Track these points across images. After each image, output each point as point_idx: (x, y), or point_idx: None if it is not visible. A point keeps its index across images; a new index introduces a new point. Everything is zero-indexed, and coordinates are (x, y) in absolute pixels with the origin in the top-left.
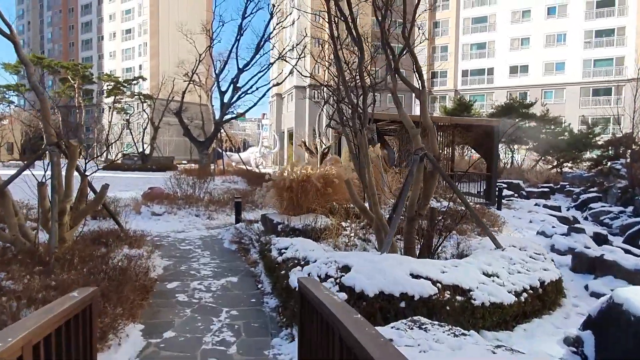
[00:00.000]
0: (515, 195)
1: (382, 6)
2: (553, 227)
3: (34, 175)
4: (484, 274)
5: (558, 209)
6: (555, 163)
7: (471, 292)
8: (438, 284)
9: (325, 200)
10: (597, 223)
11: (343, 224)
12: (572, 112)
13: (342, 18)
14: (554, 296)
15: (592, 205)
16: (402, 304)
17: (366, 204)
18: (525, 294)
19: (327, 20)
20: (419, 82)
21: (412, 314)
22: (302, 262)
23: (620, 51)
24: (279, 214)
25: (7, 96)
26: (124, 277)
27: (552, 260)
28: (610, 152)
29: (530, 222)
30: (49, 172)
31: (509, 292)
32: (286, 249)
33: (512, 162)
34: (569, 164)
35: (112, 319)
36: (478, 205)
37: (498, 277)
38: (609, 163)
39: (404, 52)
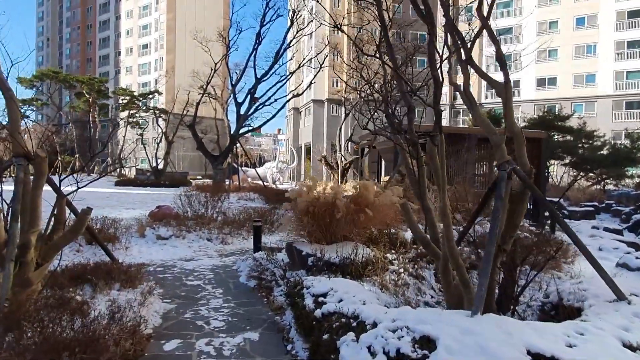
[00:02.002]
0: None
1: None
2: (638, 257)
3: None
4: (624, 345)
5: (619, 232)
6: (595, 179)
7: None
8: None
9: (362, 225)
10: None
11: (389, 256)
12: (605, 125)
13: None
14: None
15: None
16: None
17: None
18: None
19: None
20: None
21: None
22: (354, 323)
23: None
24: (308, 242)
25: (22, 110)
26: (95, 347)
27: None
28: None
29: (600, 249)
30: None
31: None
32: (325, 295)
33: (548, 179)
34: (612, 181)
35: None
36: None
37: None
38: None
39: (479, 34)
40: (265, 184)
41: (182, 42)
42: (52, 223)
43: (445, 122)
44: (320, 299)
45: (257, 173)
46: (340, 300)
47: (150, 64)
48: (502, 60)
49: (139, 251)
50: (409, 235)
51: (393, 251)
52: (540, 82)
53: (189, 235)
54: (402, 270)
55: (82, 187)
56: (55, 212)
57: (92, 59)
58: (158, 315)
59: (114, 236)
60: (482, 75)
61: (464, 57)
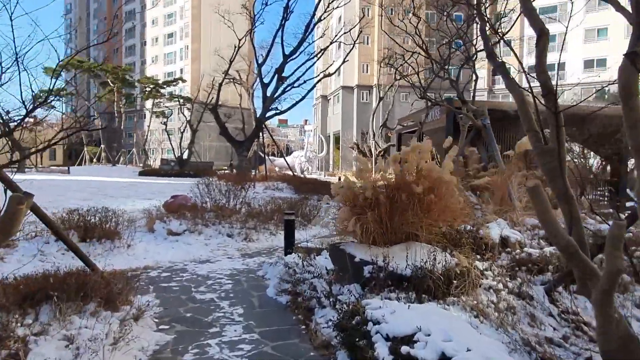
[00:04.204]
0: None
1: None
2: None
3: None
4: None
5: None
6: None
7: None
8: None
9: (432, 218)
10: None
11: (478, 264)
12: None
13: None
14: None
15: None
16: None
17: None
18: None
19: None
20: None
21: None
22: None
23: None
24: (358, 243)
25: (48, 100)
26: None
27: None
28: None
29: None
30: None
31: None
32: (410, 340)
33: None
34: None
35: None
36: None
37: None
38: None
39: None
40: (294, 173)
41: (207, 29)
42: None
43: None
44: (404, 348)
45: (287, 162)
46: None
47: (176, 53)
48: None
49: (144, 250)
50: (494, 233)
51: (476, 255)
52: (588, 64)
53: (206, 230)
54: (500, 286)
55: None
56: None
57: (119, 49)
58: (145, 357)
59: (115, 231)
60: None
61: None
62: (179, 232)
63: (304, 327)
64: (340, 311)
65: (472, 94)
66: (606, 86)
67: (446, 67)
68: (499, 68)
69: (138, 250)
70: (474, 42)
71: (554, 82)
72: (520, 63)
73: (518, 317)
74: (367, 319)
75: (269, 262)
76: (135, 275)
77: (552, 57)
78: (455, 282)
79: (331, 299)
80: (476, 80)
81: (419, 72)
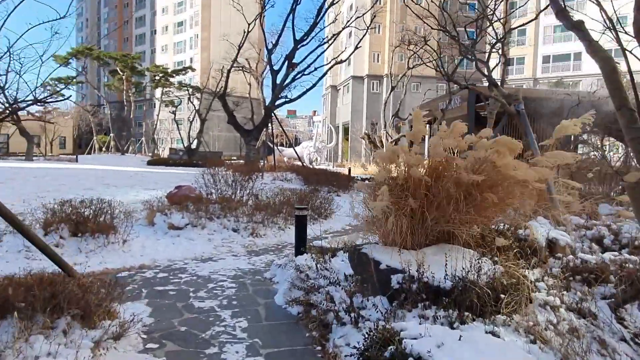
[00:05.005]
0: None
1: None
2: None
3: None
4: None
5: None
6: None
7: None
8: None
9: (480, 213)
10: None
11: (529, 274)
12: None
13: None
14: None
15: None
16: None
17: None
18: None
19: None
20: None
21: None
22: None
23: None
24: (382, 245)
25: (57, 89)
26: None
27: None
28: None
29: None
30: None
31: None
32: None
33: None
34: None
35: None
36: None
37: None
38: None
39: None
40: (303, 164)
41: (217, 18)
42: None
43: None
44: None
45: (296, 152)
46: None
47: (186, 42)
48: None
49: (142, 246)
50: (539, 235)
51: (521, 261)
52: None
53: (210, 224)
54: (557, 301)
55: None
56: None
57: (129, 38)
58: None
59: (110, 225)
60: None
61: None
62: (181, 226)
63: (319, 348)
64: (366, 336)
65: (500, 78)
66: None
67: (474, 48)
68: (575, 28)
69: (135, 246)
70: (503, 21)
71: (570, 73)
72: (609, 18)
73: (586, 343)
74: (406, 352)
75: (277, 262)
76: (129, 277)
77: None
78: (503, 296)
79: (352, 315)
80: (506, 63)
81: (440, 56)
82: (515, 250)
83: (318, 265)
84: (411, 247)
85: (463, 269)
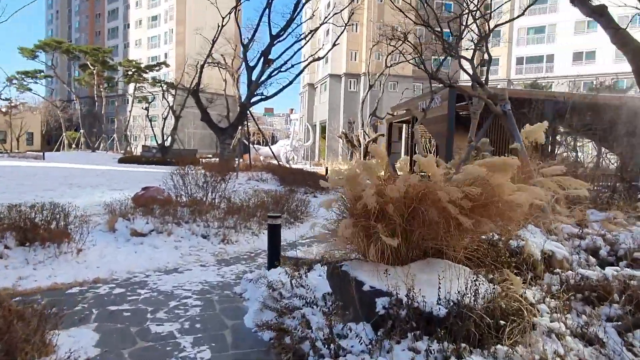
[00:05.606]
0: None
1: None
2: None
3: None
4: None
5: None
6: None
7: None
8: None
9: (478, 231)
10: None
11: (529, 295)
12: None
13: None
14: None
15: None
16: None
17: None
18: None
19: None
20: None
21: None
22: None
23: None
24: (364, 261)
25: (25, 83)
26: None
27: None
28: None
29: None
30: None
31: None
32: None
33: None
34: None
35: None
36: None
37: None
38: None
39: None
40: (280, 163)
41: (192, 13)
42: None
43: None
44: None
45: (272, 151)
46: None
47: (160, 36)
48: None
49: (99, 255)
50: (534, 247)
51: (519, 279)
52: (577, 57)
53: (177, 229)
54: (562, 327)
55: None
56: None
57: (101, 32)
58: None
59: (63, 232)
60: None
61: None
62: (145, 233)
63: None
64: None
65: (485, 77)
66: None
67: (458, 45)
68: (595, 14)
69: (91, 256)
70: (487, 17)
71: (543, 75)
72: None
73: None
74: None
75: (248, 276)
76: (79, 294)
77: (543, 49)
78: (503, 322)
79: (332, 347)
80: (489, 62)
81: (422, 53)
82: (509, 265)
83: (293, 282)
84: (396, 263)
85: (458, 292)
